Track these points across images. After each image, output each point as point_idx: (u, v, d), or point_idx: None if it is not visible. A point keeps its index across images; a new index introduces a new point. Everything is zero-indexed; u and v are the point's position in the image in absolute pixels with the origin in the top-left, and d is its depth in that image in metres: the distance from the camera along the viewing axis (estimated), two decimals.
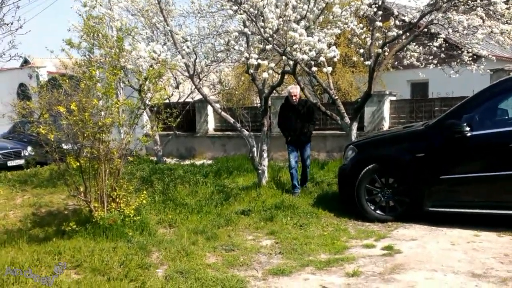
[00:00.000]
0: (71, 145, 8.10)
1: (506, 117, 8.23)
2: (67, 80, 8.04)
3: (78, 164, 7.68)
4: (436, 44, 11.65)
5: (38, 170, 14.77)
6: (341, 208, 9.05)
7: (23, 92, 22.46)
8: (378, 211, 8.46)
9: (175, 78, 15.42)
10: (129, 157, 8.68)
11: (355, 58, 14.05)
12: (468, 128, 7.64)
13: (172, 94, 15.89)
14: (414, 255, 6.56)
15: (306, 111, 10.74)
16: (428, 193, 7.97)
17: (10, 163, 16.97)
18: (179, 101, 17.27)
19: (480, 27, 10.34)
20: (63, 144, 8.50)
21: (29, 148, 17.42)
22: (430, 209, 7.95)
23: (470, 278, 5.67)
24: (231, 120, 11.66)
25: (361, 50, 11.34)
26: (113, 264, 6.26)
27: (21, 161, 16.88)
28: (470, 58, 11.88)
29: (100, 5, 11.41)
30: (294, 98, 10.59)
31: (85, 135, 7.64)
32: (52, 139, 7.58)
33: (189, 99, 17.71)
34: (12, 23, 9.20)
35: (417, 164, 8.08)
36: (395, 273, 5.92)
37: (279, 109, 11.38)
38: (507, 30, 10.17)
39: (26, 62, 27.26)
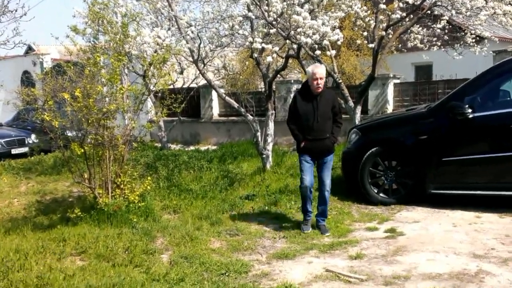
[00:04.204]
0: (75, 132, 8.14)
1: (508, 99, 8.23)
2: (72, 67, 8.06)
3: (82, 150, 7.72)
4: (439, 26, 11.61)
5: (42, 157, 14.74)
6: (345, 191, 9.07)
7: (27, 79, 22.45)
8: (381, 194, 8.49)
9: (180, 63, 15.41)
10: (133, 143, 8.68)
11: (359, 41, 13.94)
12: (470, 110, 7.67)
13: (177, 80, 15.93)
14: (416, 237, 6.61)
15: (330, 106, 7.16)
16: (431, 175, 8.01)
17: (14, 151, 16.92)
18: (184, 86, 17.29)
19: (483, 8, 10.29)
20: (67, 131, 8.53)
21: (33, 136, 17.34)
22: (433, 191, 7.99)
23: (472, 258, 5.72)
24: (236, 105, 11.62)
25: (365, 33, 11.30)
26: (117, 250, 6.30)
27: (25, 149, 16.82)
28: (473, 40, 11.85)
29: None
30: (317, 83, 6.99)
31: (90, 121, 7.65)
32: (57, 126, 7.60)
33: (193, 85, 17.73)
34: (16, 10, 9.25)
35: (420, 146, 8.11)
36: (398, 255, 5.97)
37: (291, 100, 7.79)
38: (510, 11, 10.14)
39: (30, 49, 27.18)
